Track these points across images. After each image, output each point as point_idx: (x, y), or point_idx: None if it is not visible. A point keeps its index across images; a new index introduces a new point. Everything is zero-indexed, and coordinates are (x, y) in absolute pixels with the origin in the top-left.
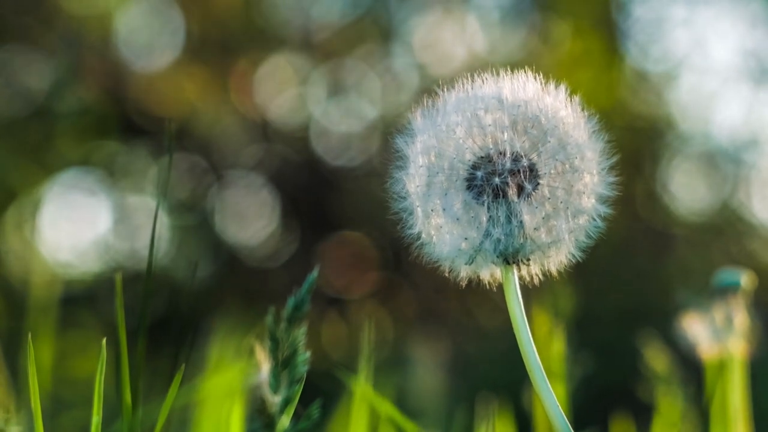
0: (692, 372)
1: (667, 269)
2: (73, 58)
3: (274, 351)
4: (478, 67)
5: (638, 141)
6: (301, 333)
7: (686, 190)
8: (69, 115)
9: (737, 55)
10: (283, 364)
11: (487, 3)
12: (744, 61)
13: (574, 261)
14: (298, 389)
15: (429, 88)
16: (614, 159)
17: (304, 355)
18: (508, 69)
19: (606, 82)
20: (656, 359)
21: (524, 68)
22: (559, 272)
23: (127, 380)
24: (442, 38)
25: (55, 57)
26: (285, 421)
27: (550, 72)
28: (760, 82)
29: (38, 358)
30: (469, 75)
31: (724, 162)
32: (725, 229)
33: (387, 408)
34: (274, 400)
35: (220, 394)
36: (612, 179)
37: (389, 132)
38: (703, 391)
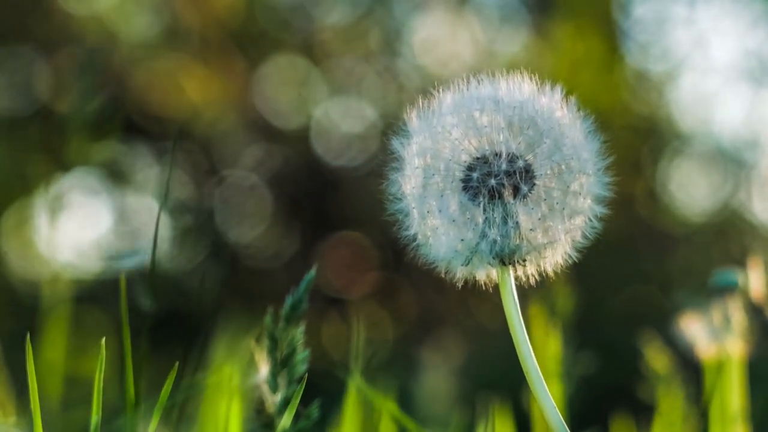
0: (691, 372)
1: (668, 269)
2: (73, 59)
3: (272, 350)
4: (478, 67)
5: (639, 141)
6: (299, 332)
7: (687, 190)
8: (70, 115)
9: (738, 55)
10: (281, 364)
11: (488, 3)
12: (745, 60)
13: (572, 261)
14: (299, 389)
15: (429, 89)
16: (611, 159)
17: (303, 354)
18: (509, 70)
19: (607, 83)
20: (656, 359)
21: (525, 69)
22: (557, 272)
23: (131, 380)
24: (443, 39)
25: (56, 57)
26: (284, 420)
27: (552, 72)
28: (761, 81)
29: (49, 359)
30: (465, 76)
31: (725, 162)
32: (726, 229)
33: (387, 406)
34: (273, 399)
35: (221, 394)
36: (608, 179)
37: (389, 132)
38: (701, 391)
